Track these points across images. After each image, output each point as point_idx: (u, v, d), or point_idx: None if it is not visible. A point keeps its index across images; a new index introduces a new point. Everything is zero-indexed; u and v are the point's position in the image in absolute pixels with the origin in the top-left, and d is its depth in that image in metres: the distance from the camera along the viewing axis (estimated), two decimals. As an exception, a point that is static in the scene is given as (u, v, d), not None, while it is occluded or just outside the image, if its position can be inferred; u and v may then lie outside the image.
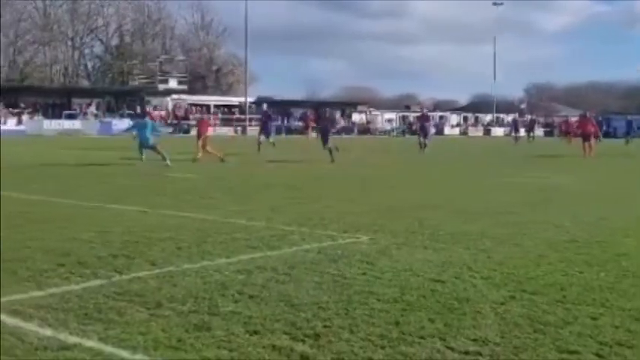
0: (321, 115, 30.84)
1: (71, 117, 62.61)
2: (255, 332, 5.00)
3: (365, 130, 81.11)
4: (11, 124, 56.36)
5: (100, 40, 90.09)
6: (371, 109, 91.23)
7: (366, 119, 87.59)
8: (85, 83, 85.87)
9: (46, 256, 7.46)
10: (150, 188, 15.43)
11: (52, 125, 57.92)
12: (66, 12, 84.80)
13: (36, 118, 60.07)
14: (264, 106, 34.56)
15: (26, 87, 69.07)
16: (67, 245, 8.09)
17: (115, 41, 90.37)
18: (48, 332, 4.90)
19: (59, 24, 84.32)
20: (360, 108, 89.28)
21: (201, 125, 26.62)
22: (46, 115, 61.11)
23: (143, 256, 7.52)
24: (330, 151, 25.30)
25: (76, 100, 67.00)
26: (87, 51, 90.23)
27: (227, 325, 5.15)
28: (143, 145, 22.39)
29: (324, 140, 26.24)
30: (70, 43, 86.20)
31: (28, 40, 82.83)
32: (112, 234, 8.92)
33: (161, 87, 71.80)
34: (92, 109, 66.03)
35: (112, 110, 67.31)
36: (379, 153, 36.46)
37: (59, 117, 61.45)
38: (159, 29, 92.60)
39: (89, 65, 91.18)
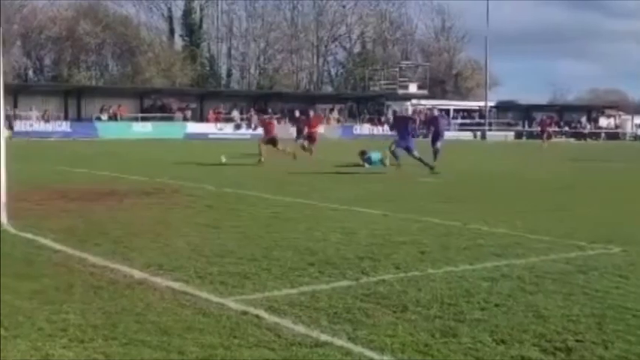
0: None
1: (315, 122, 65.31)
2: (503, 341, 4.92)
3: (613, 135, 76.94)
4: (261, 129, 59.69)
5: (343, 47, 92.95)
6: (620, 112, 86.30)
7: (615, 124, 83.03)
8: (328, 89, 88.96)
9: (296, 255, 7.82)
10: (389, 191, 15.66)
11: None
12: (312, 21, 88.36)
13: (283, 123, 63.13)
14: (435, 111, 31.88)
15: (275, 93, 72.75)
16: (315, 245, 8.42)
17: (357, 48, 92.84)
18: (301, 329, 5.13)
19: (305, 32, 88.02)
20: (608, 112, 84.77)
21: (267, 127, 26.26)
22: (292, 121, 63.97)
23: (388, 259, 7.65)
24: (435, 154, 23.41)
25: (319, 106, 69.58)
26: (330, 58, 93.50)
27: (473, 332, 5.11)
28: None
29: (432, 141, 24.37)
30: (315, 50, 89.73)
31: (277, 48, 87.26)
32: (357, 236, 9.17)
33: (401, 92, 72.67)
34: (335, 114, 68.24)
35: (353, 115, 69.19)
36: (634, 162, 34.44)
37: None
38: (399, 35, 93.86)
39: (332, 72, 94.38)
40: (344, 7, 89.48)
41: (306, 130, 30.44)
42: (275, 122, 28.01)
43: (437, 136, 24.27)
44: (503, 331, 5.14)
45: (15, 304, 5.65)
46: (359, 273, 6.98)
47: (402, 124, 21.33)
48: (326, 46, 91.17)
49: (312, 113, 31.20)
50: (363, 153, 23.48)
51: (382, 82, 77.95)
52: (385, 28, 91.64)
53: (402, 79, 74.77)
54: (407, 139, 20.51)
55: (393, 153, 20.74)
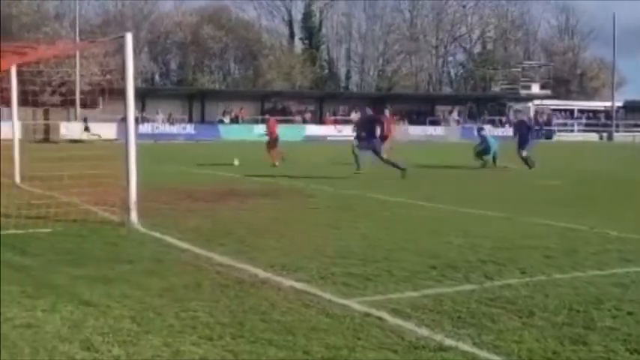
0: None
1: (434, 123, 64.66)
2: (637, 351, 4.73)
3: None
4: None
5: (463, 48, 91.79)
6: None
7: None
8: (447, 90, 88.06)
9: (418, 257, 7.77)
10: (512, 194, 15.33)
11: (416, 131, 60.17)
12: (431, 22, 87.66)
13: (402, 125, 62.95)
14: (523, 116, 29.31)
15: (393, 95, 72.60)
16: (437, 248, 8.34)
17: (477, 48, 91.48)
18: (425, 332, 5.09)
19: (425, 34, 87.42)
20: None
21: (271, 126, 25.38)
22: (412, 122, 63.68)
23: (512, 263, 7.49)
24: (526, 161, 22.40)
25: (439, 107, 68.98)
26: (450, 59, 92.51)
27: (605, 341, 4.93)
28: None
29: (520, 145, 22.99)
30: (434, 51, 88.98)
31: (396, 50, 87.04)
32: (479, 239, 9.01)
33: (523, 92, 71.12)
34: (454, 115, 67.49)
35: (473, 116, 68.22)
36: None
37: (423, 123, 63.80)
38: (521, 34, 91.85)
39: (452, 72, 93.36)
40: (464, 7, 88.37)
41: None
42: (275, 121, 27.16)
43: (523, 143, 22.78)
44: (637, 340, 4.94)
45: (145, 301, 5.85)
46: (482, 277, 6.87)
47: None
48: (445, 47, 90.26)
49: (387, 112, 26.79)
50: (479, 152, 23.37)
51: (503, 82, 76.55)
52: (507, 28, 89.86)
53: (524, 80, 73.22)
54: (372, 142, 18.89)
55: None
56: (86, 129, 46.24)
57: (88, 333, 5.01)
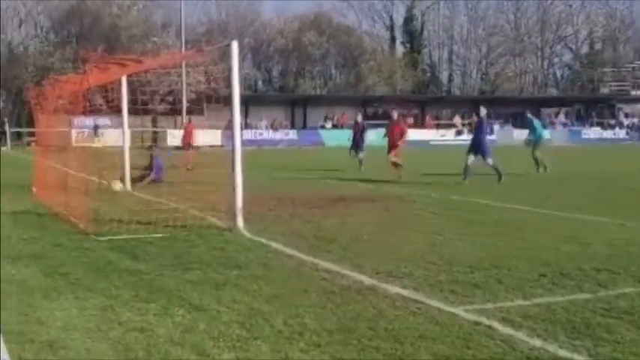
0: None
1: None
2: None
3: None
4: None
5: (570, 49, 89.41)
6: None
7: None
8: (553, 92, 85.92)
9: (527, 264, 7.57)
10: (625, 200, 14.76)
11: (521, 135, 58.94)
12: (536, 22, 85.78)
13: (506, 127, 61.78)
14: (359, 116, 26.78)
15: (497, 98, 71.35)
16: (547, 255, 8.10)
17: (584, 49, 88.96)
18: (537, 343, 4.94)
19: (529, 34, 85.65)
20: None
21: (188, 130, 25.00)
22: (515, 125, 62.42)
23: (627, 272, 7.20)
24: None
25: (544, 110, 67.37)
26: (556, 60, 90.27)
27: None
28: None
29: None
30: (539, 53, 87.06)
31: (499, 52, 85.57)
32: (592, 246, 8.72)
33: (634, 93, 68.73)
34: (561, 118, 65.80)
35: (581, 119, 66.37)
36: None
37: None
38: (631, 33, 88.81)
39: (558, 74, 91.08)
40: (570, 6, 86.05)
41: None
42: (193, 126, 26.95)
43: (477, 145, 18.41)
44: None
45: (254, 307, 5.91)
46: (596, 286, 6.63)
47: None
48: (551, 48, 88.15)
49: (395, 115, 22.30)
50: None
51: (612, 83, 74.11)
52: (615, 27, 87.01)
53: (635, 80, 70.68)
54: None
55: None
56: (96, 134, 45.27)
57: (200, 338, 5.09)
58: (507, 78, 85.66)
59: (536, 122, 23.68)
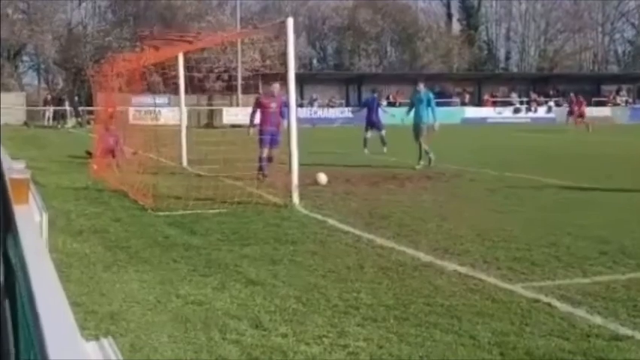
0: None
1: (600, 104, 61.92)
2: None
3: None
4: (541, 112, 58.06)
5: (632, 24, 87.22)
6: None
7: None
8: (614, 69, 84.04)
9: (586, 242, 7.45)
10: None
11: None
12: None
13: (565, 106, 60.73)
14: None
15: (555, 75, 70.08)
16: (608, 233, 7.94)
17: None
18: (598, 320, 4.86)
19: (589, 10, 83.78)
20: None
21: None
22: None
23: (691, 251, 7.02)
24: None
25: (605, 87, 65.98)
26: (617, 36, 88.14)
27: None
28: None
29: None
30: (600, 29, 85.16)
31: (559, 28, 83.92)
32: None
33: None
34: (622, 95, 64.37)
35: (642, 96, 64.90)
36: None
37: (588, 104, 61.24)
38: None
39: (619, 50, 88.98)
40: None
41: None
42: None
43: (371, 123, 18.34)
44: None
45: (310, 281, 5.93)
46: (659, 264, 6.49)
47: None
48: (612, 24, 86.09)
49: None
50: None
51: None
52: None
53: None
54: None
55: None
56: (154, 112, 43.08)
57: (257, 311, 5.13)
58: (566, 55, 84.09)
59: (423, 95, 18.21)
